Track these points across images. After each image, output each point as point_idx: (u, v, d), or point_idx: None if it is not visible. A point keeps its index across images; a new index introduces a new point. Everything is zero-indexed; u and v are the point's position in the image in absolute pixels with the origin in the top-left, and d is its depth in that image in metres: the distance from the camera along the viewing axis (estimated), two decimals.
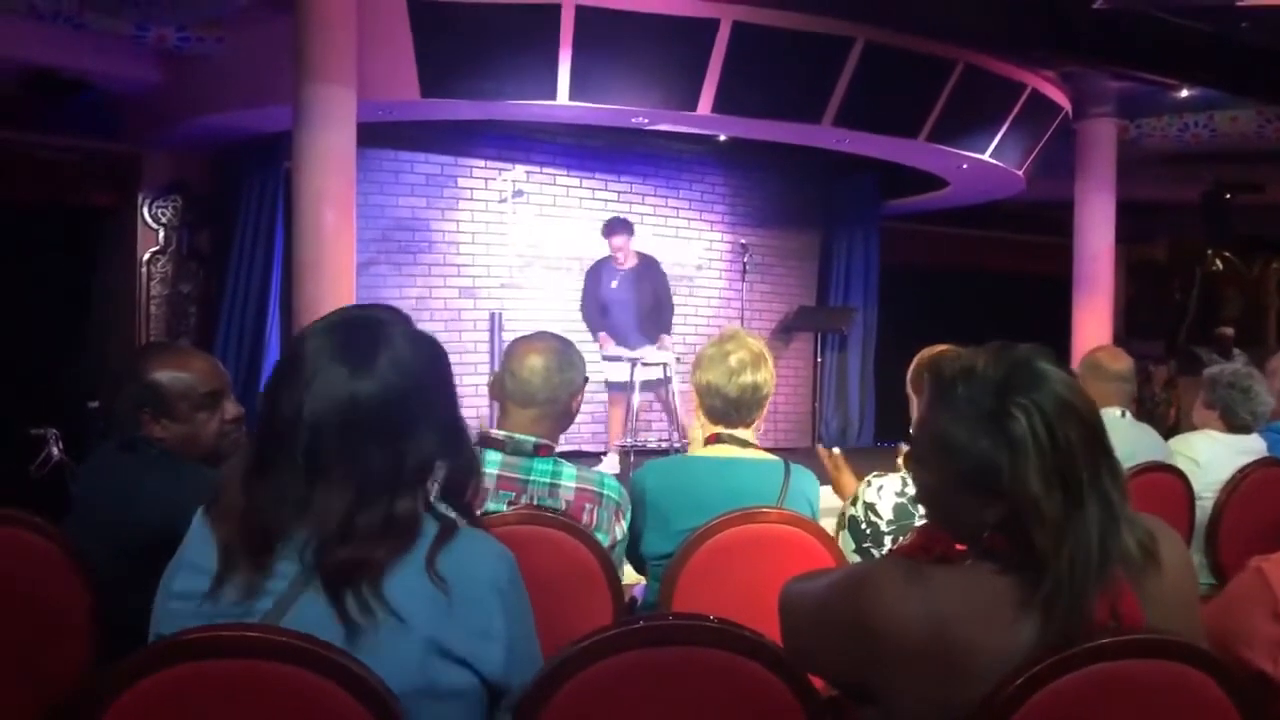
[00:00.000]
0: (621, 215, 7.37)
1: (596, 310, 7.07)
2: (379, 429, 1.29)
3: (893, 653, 1.29)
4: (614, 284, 7.05)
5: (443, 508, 1.39)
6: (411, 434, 1.32)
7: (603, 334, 7.04)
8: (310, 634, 1.22)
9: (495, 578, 1.34)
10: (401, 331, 1.36)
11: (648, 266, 7.15)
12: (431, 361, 1.38)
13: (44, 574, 2.06)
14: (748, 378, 2.51)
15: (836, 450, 2.90)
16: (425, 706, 1.27)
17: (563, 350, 2.36)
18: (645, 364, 6.99)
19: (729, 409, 2.53)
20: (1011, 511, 1.28)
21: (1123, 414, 3.57)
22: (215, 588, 1.28)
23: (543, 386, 2.29)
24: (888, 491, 2.40)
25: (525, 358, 2.32)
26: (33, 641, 2.07)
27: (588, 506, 2.27)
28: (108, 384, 2.27)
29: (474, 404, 6.67)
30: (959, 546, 1.36)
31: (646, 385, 7.22)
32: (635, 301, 7.02)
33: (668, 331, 7.20)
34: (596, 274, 7.14)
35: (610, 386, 7.14)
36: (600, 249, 7.15)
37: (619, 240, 6.97)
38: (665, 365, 7.21)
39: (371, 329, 1.35)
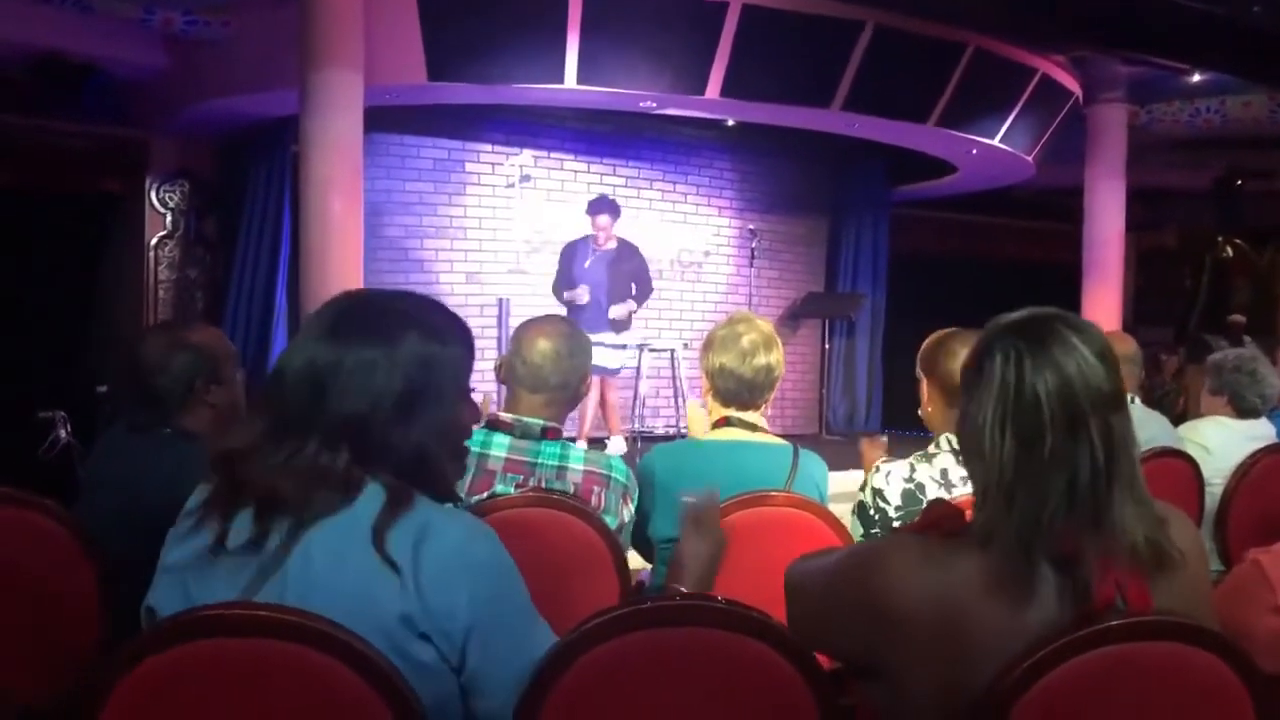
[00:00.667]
0: (612, 198, 7.24)
1: (566, 289, 6.91)
2: (306, 382, 1.35)
3: (900, 629, 1.29)
4: (587, 263, 6.91)
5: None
6: (335, 392, 1.35)
7: (569, 292, 6.89)
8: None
9: (465, 552, 1.33)
10: (387, 320, 1.40)
11: (629, 252, 7.04)
12: (402, 346, 1.39)
13: (53, 556, 2.08)
14: (761, 359, 2.50)
15: (884, 438, 2.86)
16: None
17: (572, 335, 2.35)
18: (608, 346, 6.70)
19: (742, 390, 2.53)
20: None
21: (1131, 399, 3.55)
22: (216, 541, 1.31)
23: (554, 371, 2.29)
24: (895, 477, 2.39)
25: (535, 342, 2.31)
26: (42, 623, 2.08)
27: (595, 489, 2.27)
28: (116, 372, 2.28)
29: (482, 389, 6.67)
30: (968, 522, 1.36)
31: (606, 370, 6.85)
32: (607, 285, 6.87)
33: (638, 302, 7.07)
34: (571, 252, 7.01)
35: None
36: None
37: (603, 220, 6.88)
38: (632, 346, 7.14)
39: (361, 310, 1.43)
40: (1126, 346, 3.65)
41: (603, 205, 6.97)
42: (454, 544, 1.33)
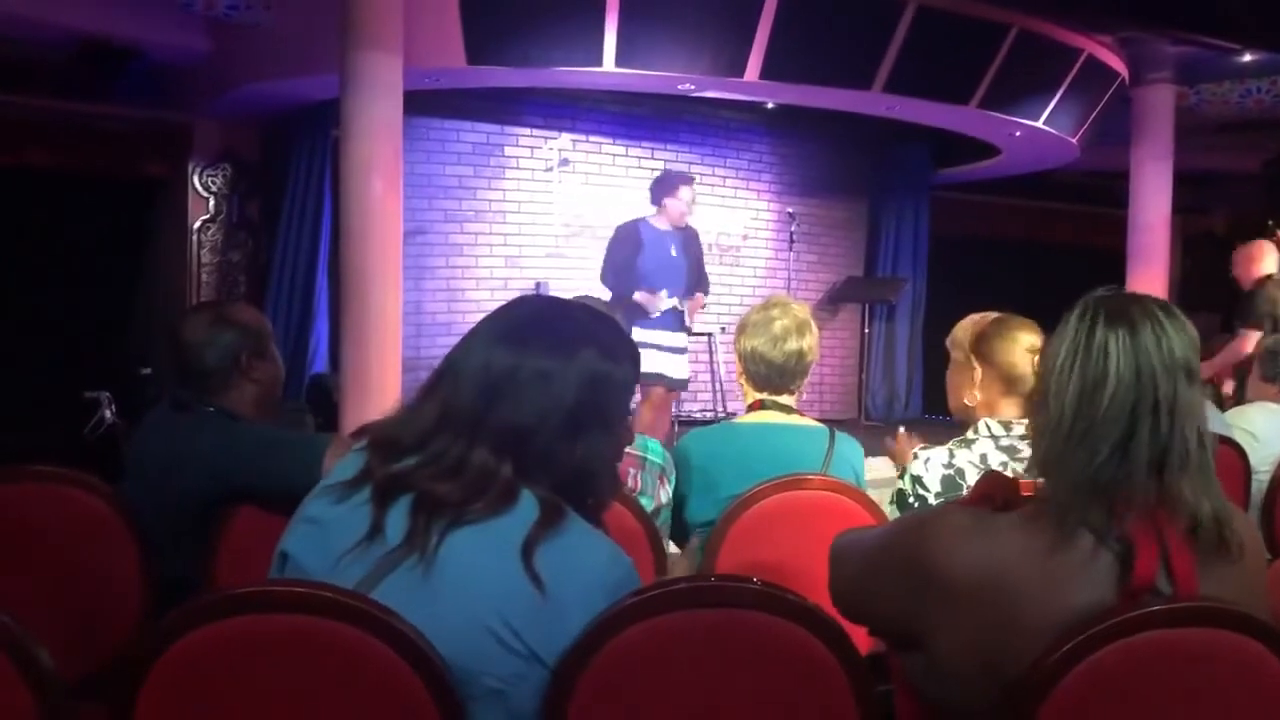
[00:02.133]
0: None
1: (633, 279, 5.78)
2: (481, 384, 1.34)
3: (946, 595, 1.29)
4: (671, 250, 5.92)
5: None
6: (508, 400, 1.33)
7: (642, 295, 5.76)
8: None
9: (605, 578, 1.32)
10: (569, 333, 1.39)
11: (694, 234, 6.17)
12: (579, 363, 1.38)
13: (97, 533, 2.11)
14: (793, 344, 2.49)
15: (902, 430, 2.83)
16: (493, 679, 1.26)
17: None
18: (675, 352, 5.84)
19: (773, 375, 2.52)
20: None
21: None
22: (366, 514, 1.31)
23: None
24: (935, 464, 2.36)
25: None
26: (87, 599, 2.12)
27: (632, 471, 2.27)
28: (161, 352, 2.32)
29: None
30: (1024, 493, 1.35)
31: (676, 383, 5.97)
32: (685, 276, 5.95)
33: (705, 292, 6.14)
34: (632, 237, 5.89)
35: (653, 382, 5.71)
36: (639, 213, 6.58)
37: (688, 192, 5.91)
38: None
39: (547, 319, 1.42)
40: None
41: (682, 176, 6.12)
42: (599, 567, 1.32)
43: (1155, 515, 1.26)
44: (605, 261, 5.97)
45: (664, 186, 5.96)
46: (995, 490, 1.36)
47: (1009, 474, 1.63)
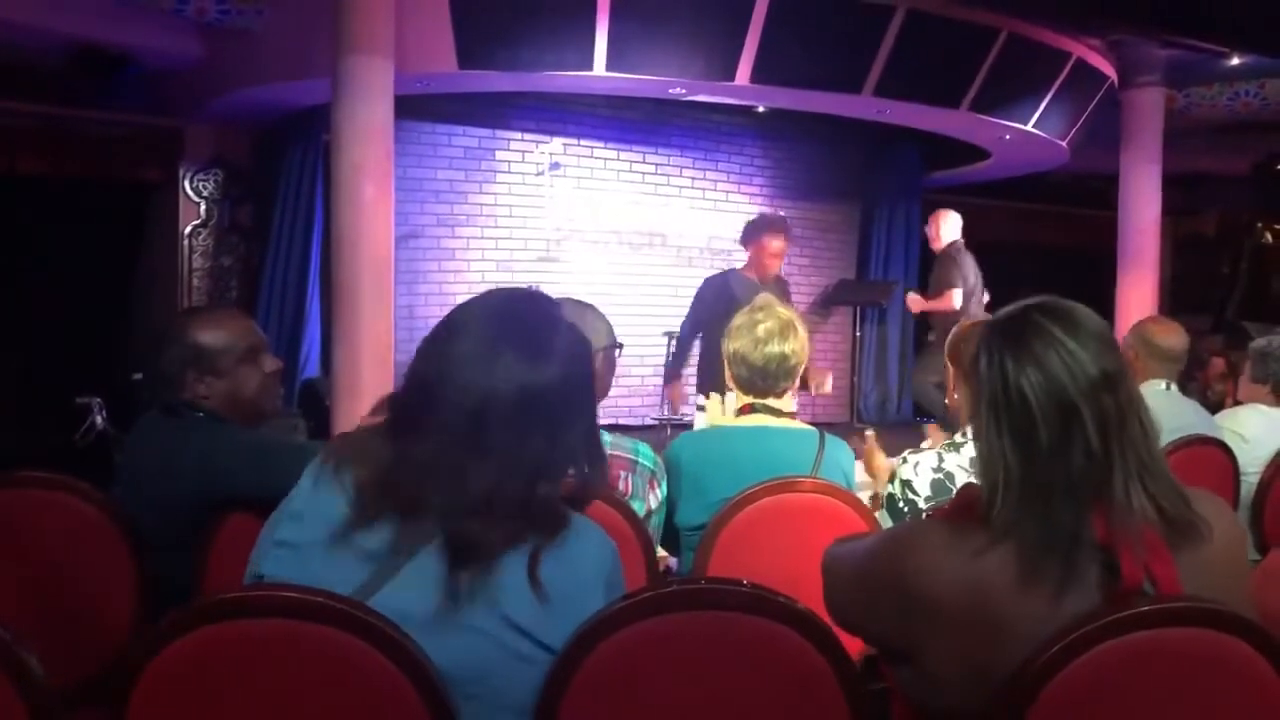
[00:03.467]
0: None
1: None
2: (543, 414, 1.32)
3: (930, 613, 1.29)
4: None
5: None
6: (565, 425, 1.34)
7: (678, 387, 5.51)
8: (408, 600, 1.26)
9: (600, 565, 1.35)
10: (568, 325, 1.39)
11: (785, 286, 5.57)
12: (587, 359, 1.41)
13: (90, 538, 2.11)
14: (774, 348, 2.49)
15: (870, 432, 2.87)
16: (499, 679, 1.28)
17: (575, 313, 2.33)
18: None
19: (755, 378, 2.52)
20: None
21: (1167, 386, 3.48)
22: (347, 530, 1.29)
23: None
24: (924, 468, 2.37)
25: None
26: (79, 604, 2.11)
27: (622, 474, 2.27)
28: (151, 352, 2.32)
29: None
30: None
31: None
32: None
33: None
34: (725, 292, 5.29)
35: None
36: (640, 223, 6.49)
37: (780, 243, 5.36)
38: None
39: (547, 319, 1.39)
40: (1171, 339, 3.47)
41: (780, 222, 5.56)
42: (597, 557, 1.35)
43: (1116, 520, 1.27)
44: (692, 317, 5.58)
45: (754, 230, 5.49)
46: (974, 504, 1.36)
47: None
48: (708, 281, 5.62)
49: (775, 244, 5.33)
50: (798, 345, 2.53)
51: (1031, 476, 1.28)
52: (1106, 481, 1.27)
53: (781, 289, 5.44)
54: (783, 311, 2.56)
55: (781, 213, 6.34)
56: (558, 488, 1.34)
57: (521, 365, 1.31)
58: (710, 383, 4.75)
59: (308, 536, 1.32)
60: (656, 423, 7.39)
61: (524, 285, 1.50)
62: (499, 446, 1.29)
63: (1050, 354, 1.29)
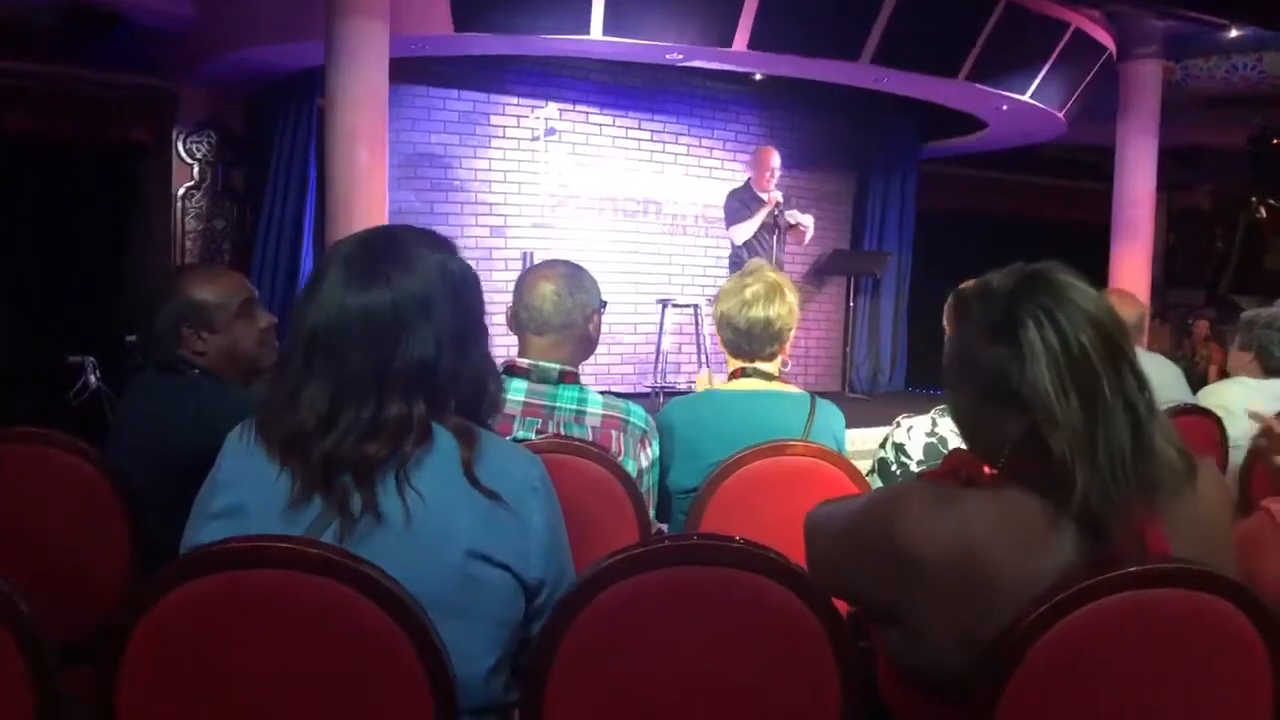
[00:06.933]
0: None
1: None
2: (363, 335, 1.33)
3: (919, 575, 1.30)
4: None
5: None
6: (400, 341, 1.33)
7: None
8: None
9: (529, 477, 1.39)
10: (416, 252, 1.39)
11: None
12: (442, 278, 1.39)
13: (84, 495, 2.11)
14: (759, 311, 2.49)
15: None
16: (463, 609, 1.31)
17: (571, 274, 2.34)
18: None
19: (740, 341, 2.53)
20: (1035, 425, 1.28)
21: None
22: (278, 491, 1.32)
23: (555, 311, 2.29)
24: (917, 432, 2.39)
25: (535, 285, 2.32)
26: (74, 562, 2.12)
27: (614, 434, 2.28)
28: (144, 309, 2.32)
29: (505, 343, 6.68)
30: (988, 470, 1.36)
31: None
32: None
33: None
34: (746, 198, 6.83)
35: None
36: (635, 190, 6.94)
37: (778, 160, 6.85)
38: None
39: (386, 245, 1.40)
40: (1127, 309, 3.53)
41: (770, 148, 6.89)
42: (523, 470, 1.39)
43: (1149, 467, 1.28)
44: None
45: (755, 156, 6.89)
46: (960, 468, 1.38)
47: None
48: (737, 191, 6.89)
49: (774, 159, 6.70)
50: (784, 309, 2.52)
51: (1101, 429, 1.26)
52: (1149, 428, 1.29)
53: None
54: (771, 275, 2.56)
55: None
56: (411, 405, 1.32)
57: (337, 291, 1.34)
58: None
59: (243, 500, 1.34)
60: (650, 391, 7.40)
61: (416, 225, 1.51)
62: (324, 370, 1.32)
63: (1090, 304, 1.30)
